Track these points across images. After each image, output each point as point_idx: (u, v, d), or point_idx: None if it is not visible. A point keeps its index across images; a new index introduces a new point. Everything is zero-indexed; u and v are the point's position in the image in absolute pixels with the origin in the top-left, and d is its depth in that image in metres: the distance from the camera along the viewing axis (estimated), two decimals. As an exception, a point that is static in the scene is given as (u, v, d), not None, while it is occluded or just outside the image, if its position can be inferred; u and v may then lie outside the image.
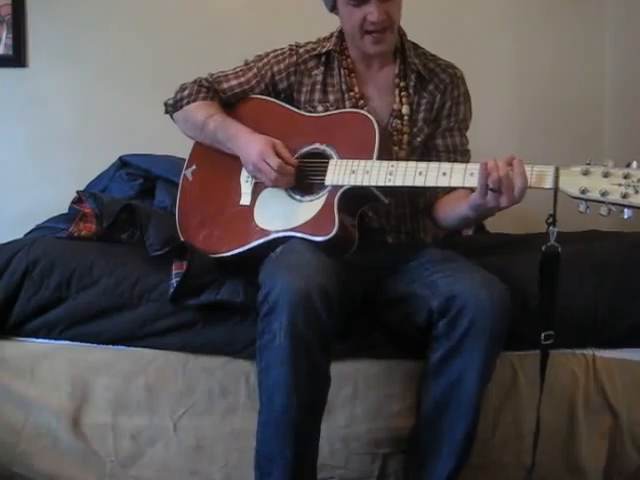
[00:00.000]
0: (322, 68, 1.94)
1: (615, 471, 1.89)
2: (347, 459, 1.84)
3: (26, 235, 2.26)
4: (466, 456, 1.68)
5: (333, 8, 1.88)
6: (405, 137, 1.89)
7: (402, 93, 1.91)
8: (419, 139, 1.90)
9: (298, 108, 1.93)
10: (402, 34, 1.95)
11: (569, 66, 3.02)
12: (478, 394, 1.65)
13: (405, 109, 1.90)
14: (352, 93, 1.91)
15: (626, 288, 1.92)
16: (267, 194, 1.86)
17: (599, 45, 3.04)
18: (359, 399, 1.84)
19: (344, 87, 1.92)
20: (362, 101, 1.91)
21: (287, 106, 1.94)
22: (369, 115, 1.79)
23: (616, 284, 1.92)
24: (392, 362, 1.85)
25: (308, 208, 1.77)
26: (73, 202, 2.11)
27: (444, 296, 1.64)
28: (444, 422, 1.66)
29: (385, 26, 1.81)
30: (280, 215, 1.81)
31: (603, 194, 1.46)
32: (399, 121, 1.90)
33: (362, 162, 1.72)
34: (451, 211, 1.80)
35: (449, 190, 1.81)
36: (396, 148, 1.88)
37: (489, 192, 1.55)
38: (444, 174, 1.63)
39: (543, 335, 1.61)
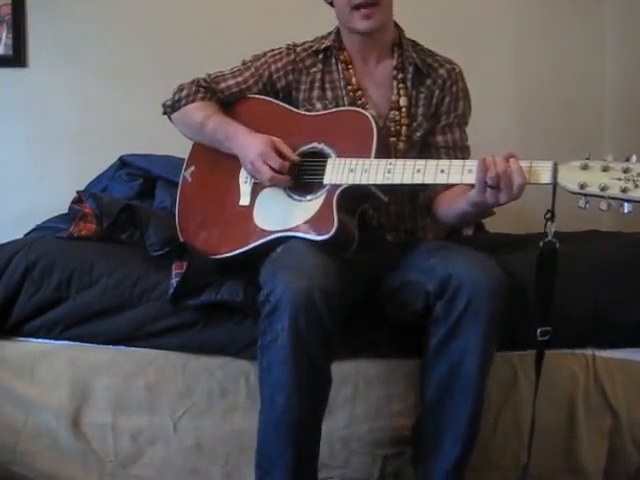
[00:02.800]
0: (320, 65, 1.94)
1: (615, 471, 1.89)
2: (347, 459, 1.84)
3: (26, 235, 2.26)
4: (471, 443, 1.67)
5: None
6: (404, 129, 1.90)
7: (400, 85, 1.92)
8: (418, 134, 1.91)
9: (296, 107, 1.93)
10: (400, 30, 1.95)
11: (569, 66, 3.02)
12: (480, 376, 1.64)
13: (403, 101, 1.90)
14: (350, 87, 1.92)
15: (626, 288, 1.91)
16: (266, 194, 1.85)
17: (599, 45, 3.04)
18: (359, 399, 1.84)
19: (342, 82, 1.92)
20: (360, 92, 1.91)
21: (285, 105, 1.93)
22: (367, 113, 1.79)
23: (616, 284, 1.92)
24: (392, 362, 1.85)
25: (307, 208, 1.77)
26: (73, 202, 2.11)
27: (440, 277, 1.64)
28: (448, 407, 1.66)
29: (373, 0, 1.80)
30: (279, 215, 1.80)
31: (602, 189, 1.45)
32: (397, 112, 1.90)
33: (360, 160, 1.72)
34: (450, 208, 1.80)
35: (448, 186, 1.81)
36: (395, 139, 1.88)
37: (488, 189, 1.55)
38: (442, 171, 1.63)
39: (539, 331, 1.60)
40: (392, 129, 1.89)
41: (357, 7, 1.81)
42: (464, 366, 1.63)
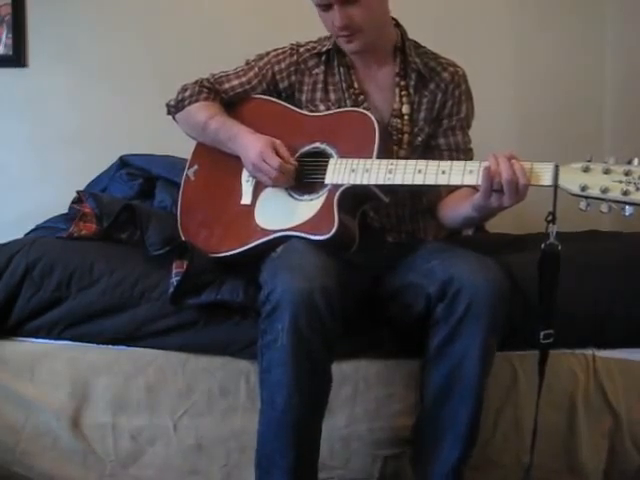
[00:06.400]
0: (323, 67, 1.93)
1: (615, 471, 1.89)
2: (347, 459, 1.84)
3: (26, 235, 2.25)
4: (471, 445, 1.67)
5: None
6: (405, 137, 1.89)
7: (402, 92, 1.91)
8: (420, 139, 1.90)
9: (300, 107, 1.93)
10: (402, 32, 1.94)
11: (569, 66, 3.02)
12: (479, 379, 1.64)
13: (405, 108, 1.90)
14: (352, 90, 1.91)
15: (626, 288, 1.91)
16: (268, 194, 1.85)
17: (599, 45, 3.04)
18: (359, 399, 1.84)
19: (344, 85, 1.91)
20: (362, 96, 1.91)
21: (288, 106, 1.93)
22: (369, 114, 1.79)
23: (616, 284, 1.92)
24: (392, 362, 1.85)
25: (308, 207, 1.77)
26: (73, 202, 2.11)
27: (441, 280, 1.64)
28: (447, 409, 1.66)
29: (351, 31, 1.79)
30: (280, 215, 1.80)
31: (603, 191, 1.45)
32: (399, 120, 1.89)
33: (362, 161, 1.72)
34: (454, 212, 1.80)
35: (453, 189, 1.81)
36: (396, 148, 1.88)
37: (492, 193, 1.56)
38: (443, 172, 1.63)
39: (542, 334, 1.60)
40: (394, 137, 1.88)
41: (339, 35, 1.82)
42: (464, 369, 1.63)
